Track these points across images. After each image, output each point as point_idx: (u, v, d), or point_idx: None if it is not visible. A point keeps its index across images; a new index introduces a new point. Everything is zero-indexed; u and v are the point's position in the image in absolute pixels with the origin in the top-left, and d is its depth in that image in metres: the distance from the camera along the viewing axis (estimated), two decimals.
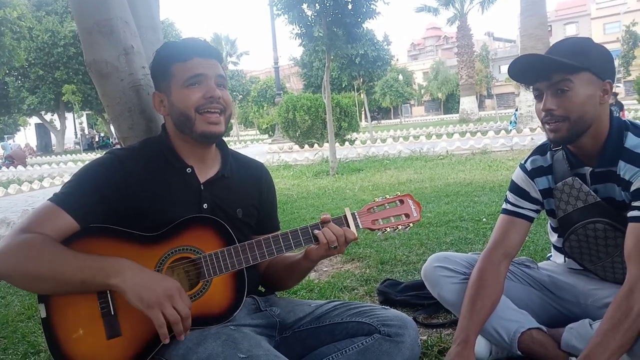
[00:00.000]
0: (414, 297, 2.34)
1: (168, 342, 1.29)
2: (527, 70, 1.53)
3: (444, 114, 46.99)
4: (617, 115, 1.59)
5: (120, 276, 1.27)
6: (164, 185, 1.46)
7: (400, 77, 39.80)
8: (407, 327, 1.51)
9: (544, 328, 1.68)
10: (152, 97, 1.54)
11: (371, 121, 21.32)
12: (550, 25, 41.34)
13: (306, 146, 13.60)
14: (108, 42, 1.72)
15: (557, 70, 1.46)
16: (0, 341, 2.36)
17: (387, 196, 1.53)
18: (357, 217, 1.48)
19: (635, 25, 39.07)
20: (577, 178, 1.59)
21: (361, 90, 22.49)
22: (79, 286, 1.30)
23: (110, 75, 1.74)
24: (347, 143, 13.88)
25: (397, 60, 45.33)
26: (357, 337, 1.50)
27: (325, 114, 9.03)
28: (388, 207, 1.51)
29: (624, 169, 1.50)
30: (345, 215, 1.46)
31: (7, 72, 27.44)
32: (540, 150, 1.73)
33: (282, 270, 1.63)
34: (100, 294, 1.34)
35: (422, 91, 51.21)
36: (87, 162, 1.50)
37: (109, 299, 1.34)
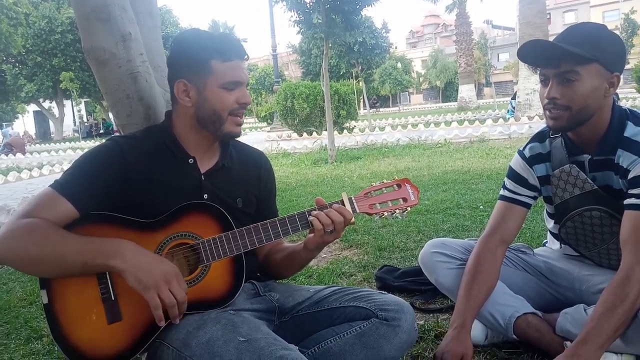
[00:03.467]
0: (412, 283, 2.36)
1: (163, 325, 1.31)
2: (536, 55, 1.52)
3: (443, 102, 46.84)
4: (618, 104, 1.58)
5: (119, 257, 1.28)
6: (164, 175, 1.47)
7: (399, 65, 39.61)
8: (404, 312, 1.52)
9: (539, 313, 1.70)
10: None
11: (370, 109, 21.28)
12: (549, 13, 41.15)
13: (305, 134, 13.54)
14: (105, 28, 1.72)
15: (566, 59, 1.44)
16: (3, 326, 2.38)
17: (385, 180, 1.53)
18: (354, 201, 1.48)
19: (634, 13, 38.88)
20: (574, 165, 1.60)
21: (360, 78, 22.42)
22: (79, 268, 1.31)
23: (108, 62, 1.73)
24: (345, 131, 13.84)
25: (396, 48, 45.06)
26: (355, 322, 1.51)
27: (324, 102, 9.01)
28: (385, 191, 1.50)
29: (623, 157, 1.51)
30: (343, 200, 1.47)
31: (4, 59, 27.31)
32: (539, 137, 1.73)
33: (280, 260, 1.64)
34: (101, 280, 1.36)
35: (421, 79, 50.98)
36: (87, 150, 1.50)
37: (109, 284, 1.36)
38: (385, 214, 1.49)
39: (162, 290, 1.28)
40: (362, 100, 25.00)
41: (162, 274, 1.28)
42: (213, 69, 1.43)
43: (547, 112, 1.53)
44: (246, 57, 1.48)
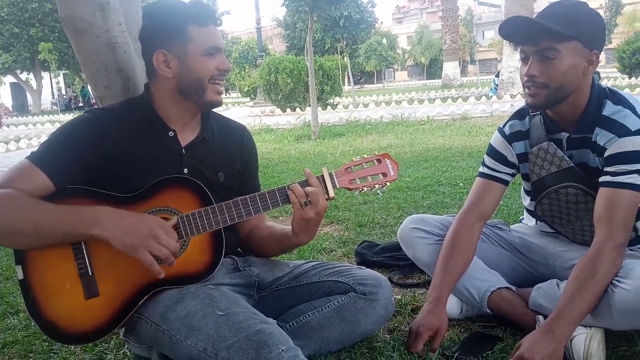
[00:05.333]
0: (390, 258, 2.39)
1: (163, 276, 1.33)
2: (516, 31, 1.52)
3: (427, 79, 46.74)
4: (598, 83, 1.60)
5: (100, 226, 1.28)
6: (144, 149, 1.45)
7: (384, 40, 39.26)
8: (382, 286, 1.55)
9: (513, 288, 1.73)
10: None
11: (354, 85, 21.15)
12: None
13: (288, 110, 13.45)
14: None
15: (545, 36, 1.45)
16: None
17: (365, 155, 1.52)
18: (334, 176, 1.47)
19: None
20: (552, 143, 1.62)
21: (345, 54, 22.20)
22: (60, 238, 1.31)
23: (86, 32, 1.69)
24: (329, 107, 13.78)
25: (382, 23, 44.68)
26: (334, 296, 1.54)
27: (308, 77, 8.93)
28: (365, 166, 1.50)
29: (600, 135, 1.53)
30: (323, 175, 1.46)
31: None
32: (518, 114, 1.75)
33: (265, 237, 1.64)
34: (78, 255, 1.35)
35: (406, 55, 50.77)
36: (65, 122, 1.48)
37: (86, 259, 1.35)
38: (365, 189, 1.49)
39: (152, 246, 1.28)
40: (346, 76, 24.85)
41: (147, 231, 1.28)
42: (191, 36, 1.41)
43: (526, 90, 1.54)
44: (219, 22, 1.48)
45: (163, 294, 1.38)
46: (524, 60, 1.53)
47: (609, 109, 1.53)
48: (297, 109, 13.10)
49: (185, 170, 1.48)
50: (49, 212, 1.30)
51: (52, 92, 36.13)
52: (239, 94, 29.30)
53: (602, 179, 1.52)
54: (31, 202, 1.30)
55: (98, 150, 1.40)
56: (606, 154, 1.51)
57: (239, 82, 28.00)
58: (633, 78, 19.00)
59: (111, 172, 1.41)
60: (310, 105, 9.01)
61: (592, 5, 1.54)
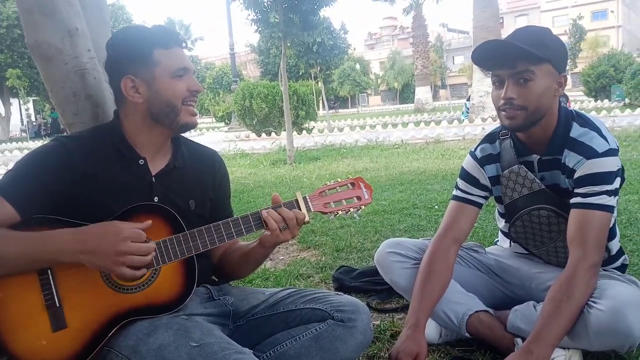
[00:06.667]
0: (368, 283, 2.37)
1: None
2: (492, 56, 1.54)
3: (400, 103, 47.48)
4: (565, 105, 1.64)
5: (66, 255, 1.26)
6: (113, 177, 1.41)
7: (358, 66, 39.88)
8: (360, 312, 1.53)
9: (490, 310, 1.73)
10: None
11: (329, 110, 21.34)
12: (502, 17, 42.35)
13: (263, 135, 13.46)
14: (50, 23, 1.65)
15: (521, 59, 1.48)
16: None
17: (339, 179, 1.52)
18: (308, 200, 1.47)
19: (581, 19, 40.63)
20: (522, 166, 1.64)
21: (319, 79, 22.46)
22: (24, 266, 1.28)
23: (54, 58, 1.66)
24: (304, 132, 13.85)
25: (354, 49, 45.43)
26: (311, 324, 1.50)
27: (283, 102, 8.98)
28: (340, 190, 1.50)
29: (569, 157, 1.55)
30: (297, 199, 1.45)
31: None
32: (489, 138, 1.77)
33: (236, 259, 1.61)
34: (44, 286, 1.30)
35: (379, 81, 51.58)
36: (31, 150, 1.44)
37: (54, 290, 1.30)
38: (340, 212, 1.49)
39: (126, 260, 1.26)
40: (321, 101, 25.08)
41: (113, 250, 1.25)
42: (158, 60, 1.40)
43: (503, 113, 1.55)
44: (184, 45, 1.48)
45: (134, 325, 1.33)
46: (498, 84, 1.55)
47: (576, 131, 1.56)
48: (272, 133, 13.12)
49: (156, 199, 1.45)
50: (12, 240, 1.26)
51: (22, 119, 35.47)
52: (214, 119, 29.25)
53: (573, 200, 1.54)
54: None
55: (65, 179, 1.36)
56: (575, 175, 1.54)
57: (213, 107, 27.98)
58: (599, 101, 19.65)
59: (80, 200, 1.37)
60: (285, 130, 9.03)
61: (556, 31, 1.59)
